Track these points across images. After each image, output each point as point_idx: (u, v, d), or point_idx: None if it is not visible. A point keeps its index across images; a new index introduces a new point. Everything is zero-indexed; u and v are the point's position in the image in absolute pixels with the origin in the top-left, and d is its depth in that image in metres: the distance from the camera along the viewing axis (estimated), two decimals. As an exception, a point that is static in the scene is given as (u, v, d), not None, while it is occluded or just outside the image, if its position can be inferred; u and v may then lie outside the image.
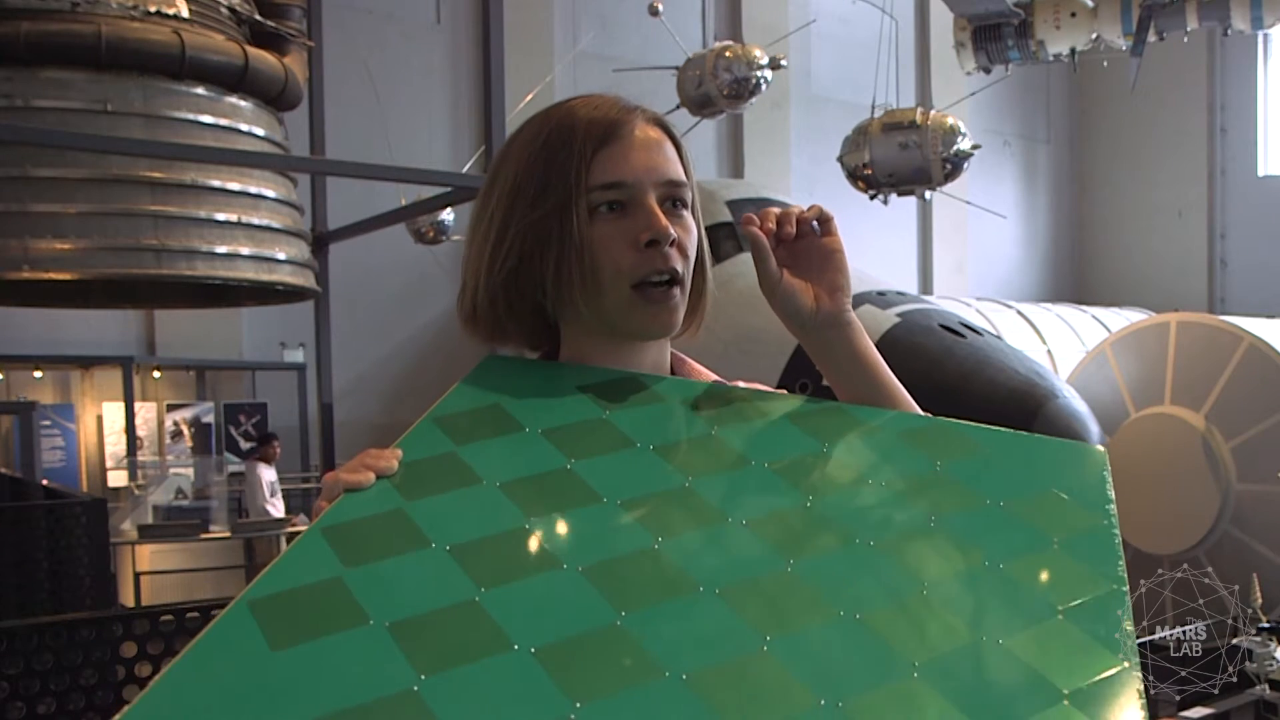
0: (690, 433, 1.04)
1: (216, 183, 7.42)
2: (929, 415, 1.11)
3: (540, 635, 0.79)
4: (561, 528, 0.89)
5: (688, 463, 0.98)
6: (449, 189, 8.03)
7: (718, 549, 0.90)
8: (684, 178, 1.13)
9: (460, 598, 0.81)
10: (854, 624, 0.84)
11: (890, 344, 6.66)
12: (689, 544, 0.89)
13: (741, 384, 1.26)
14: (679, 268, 1.11)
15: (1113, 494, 1.01)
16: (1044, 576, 0.90)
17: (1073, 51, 8.47)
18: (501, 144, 1.14)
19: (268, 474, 9.25)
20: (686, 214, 1.13)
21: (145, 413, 11.67)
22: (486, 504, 0.91)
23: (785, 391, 1.18)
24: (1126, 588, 0.91)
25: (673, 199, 1.12)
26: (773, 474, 0.99)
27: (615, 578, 0.85)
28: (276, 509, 9.21)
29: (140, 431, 11.37)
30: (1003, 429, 1.08)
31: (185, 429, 11.88)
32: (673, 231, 1.09)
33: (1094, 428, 6.21)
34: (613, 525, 0.90)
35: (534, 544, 0.87)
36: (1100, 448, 1.08)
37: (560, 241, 1.08)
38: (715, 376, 1.22)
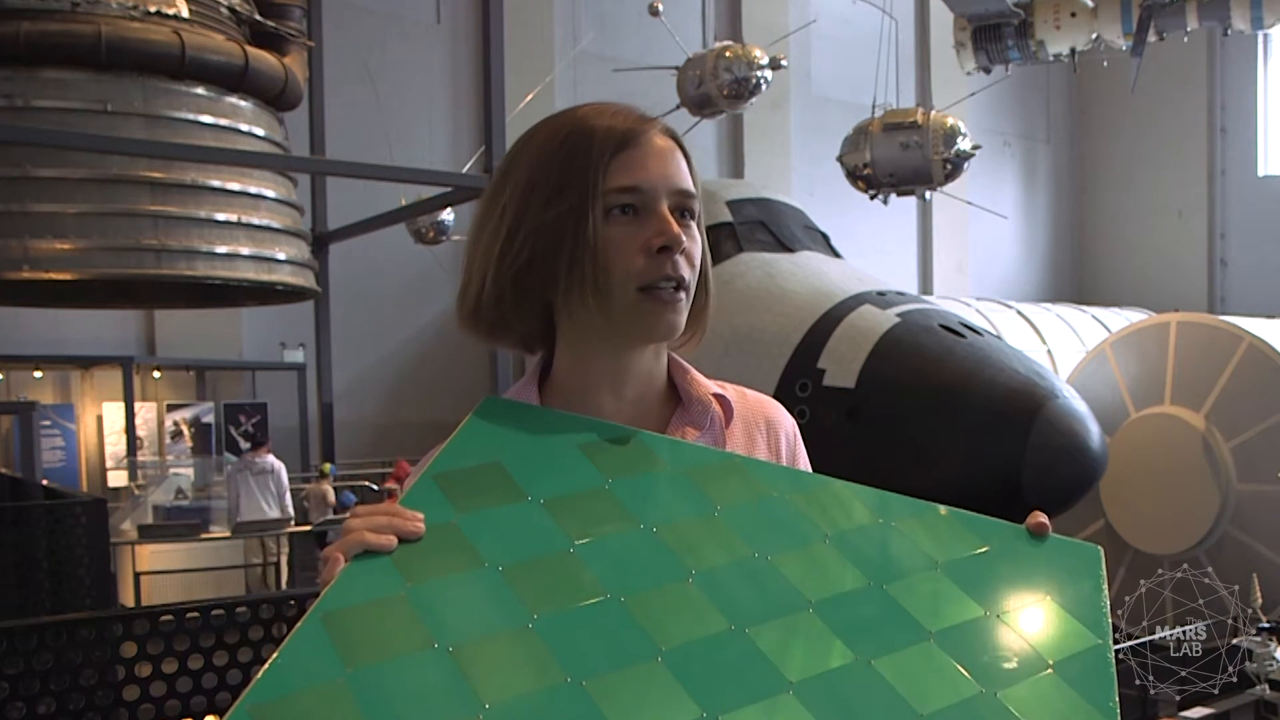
0: (693, 512, 1.02)
1: (216, 183, 7.43)
2: (930, 503, 1.09)
3: None
4: (565, 630, 0.87)
5: (691, 551, 0.97)
6: (449, 189, 8.01)
7: (720, 664, 0.87)
8: (694, 190, 1.16)
9: (461, 715, 0.79)
10: None
11: (890, 344, 6.66)
12: (691, 656, 0.87)
13: (750, 392, 1.27)
14: (686, 275, 1.12)
15: (1108, 601, 1.01)
16: (1038, 709, 0.90)
17: (1073, 51, 8.47)
18: (503, 144, 1.16)
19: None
20: (694, 225, 1.15)
21: (145, 413, 11.68)
22: (489, 595, 0.89)
23: (783, 464, 1.19)
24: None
25: (683, 209, 1.14)
26: (774, 571, 0.98)
27: (615, 694, 0.83)
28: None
29: (140, 431, 11.37)
30: (1002, 521, 1.07)
31: (185, 429, 11.88)
32: (684, 239, 1.11)
33: (1094, 428, 6.21)
34: (617, 629, 0.89)
35: (537, 652, 0.85)
36: (1095, 546, 1.07)
37: (574, 241, 1.09)
38: (713, 386, 1.22)
